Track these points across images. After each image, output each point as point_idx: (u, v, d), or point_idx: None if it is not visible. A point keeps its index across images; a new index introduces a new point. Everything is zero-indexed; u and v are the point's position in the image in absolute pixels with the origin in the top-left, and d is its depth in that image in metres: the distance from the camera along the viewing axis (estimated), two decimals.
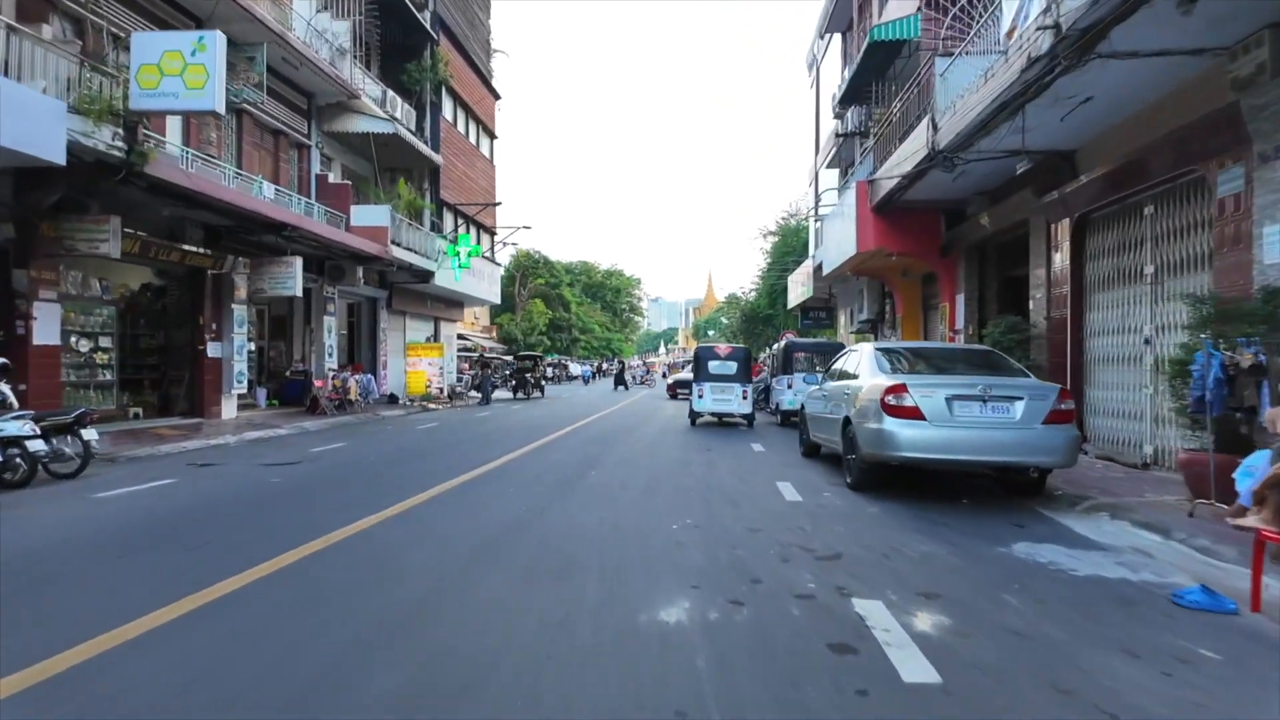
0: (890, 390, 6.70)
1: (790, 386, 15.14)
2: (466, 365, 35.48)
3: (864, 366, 7.73)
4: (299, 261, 15.57)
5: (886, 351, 7.82)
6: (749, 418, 14.96)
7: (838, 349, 15.71)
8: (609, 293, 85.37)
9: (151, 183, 11.42)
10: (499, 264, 30.21)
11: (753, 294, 58.82)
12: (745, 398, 14.77)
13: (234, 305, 15.49)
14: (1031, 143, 9.74)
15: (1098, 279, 9.68)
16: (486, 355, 28.59)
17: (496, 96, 30.22)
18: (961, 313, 13.99)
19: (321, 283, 19.13)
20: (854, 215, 14.72)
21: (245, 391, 16.06)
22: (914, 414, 6.56)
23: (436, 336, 27.56)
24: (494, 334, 57.11)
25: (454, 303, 27.95)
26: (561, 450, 10.69)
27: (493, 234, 29.94)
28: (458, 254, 22.79)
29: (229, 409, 15.57)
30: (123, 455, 10.20)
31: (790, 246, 43.25)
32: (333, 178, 20.00)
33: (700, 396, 14.92)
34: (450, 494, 7.01)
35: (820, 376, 9.87)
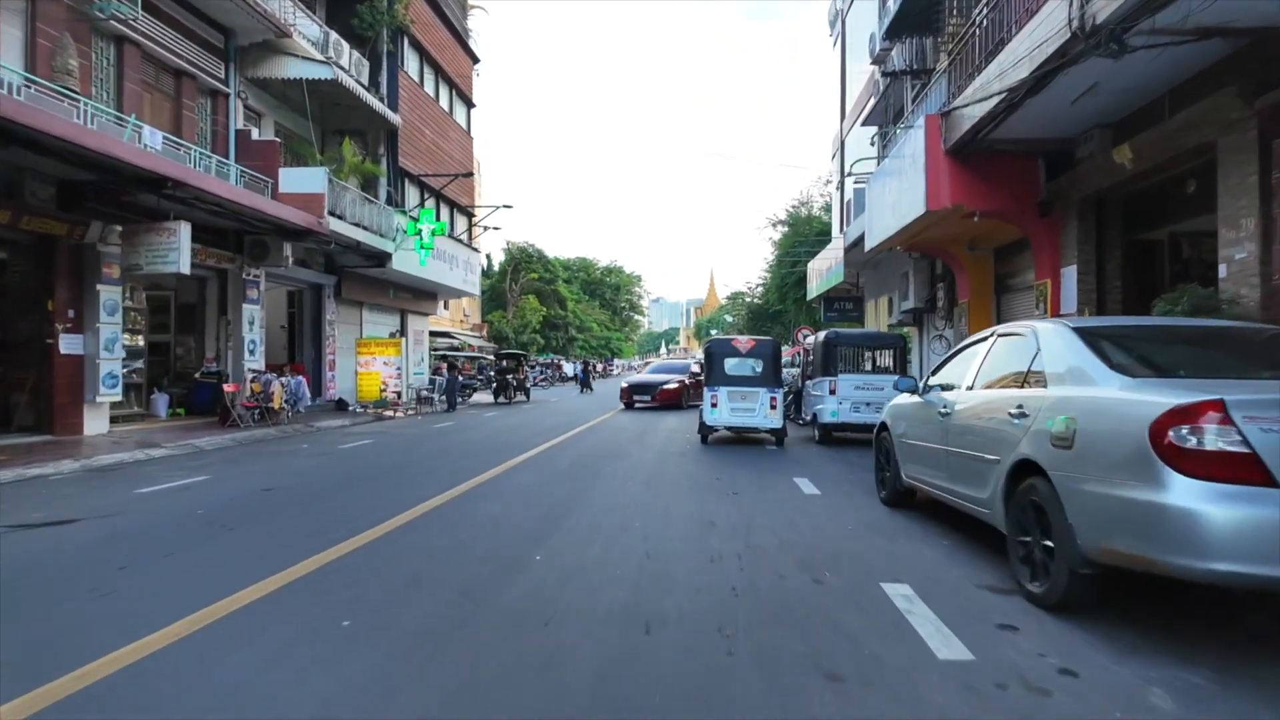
0: (1182, 415, 2.97)
1: (833, 392, 11.40)
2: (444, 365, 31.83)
3: (1059, 362, 3.98)
4: (185, 228, 11.84)
5: (1100, 334, 4.06)
6: (779, 434, 11.23)
7: (895, 342, 11.99)
8: (608, 290, 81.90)
9: None
10: (477, 249, 26.49)
11: (759, 289, 55.09)
12: (774, 407, 11.05)
13: (101, 286, 11.80)
14: (1233, 15, 6.17)
15: None
16: (451, 354, 24.73)
17: (475, 59, 26.52)
18: (1072, 291, 10.25)
19: (241, 262, 15.42)
20: (920, 164, 10.98)
21: (119, 398, 12.35)
22: (1246, 471, 2.85)
23: (403, 332, 23.85)
24: (485, 331, 53.55)
25: (424, 293, 24.25)
26: (508, 494, 6.97)
27: (470, 215, 26.22)
28: (419, 232, 19.07)
29: (96, 422, 11.87)
30: None
31: (801, 236, 39.80)
32: (261, 135, 16.30)
33: (714, 406, 11.19)
34: (217, 631, 3.29)
35: (914, 380, 6.11)
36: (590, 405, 22.68)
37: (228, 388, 14.10)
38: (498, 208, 23.34)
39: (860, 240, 17.22)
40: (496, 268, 59.41)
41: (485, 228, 26.75)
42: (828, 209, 40.07)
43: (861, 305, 23.83)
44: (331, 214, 16.23)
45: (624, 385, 21.16)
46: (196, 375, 15.16)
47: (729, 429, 11.53)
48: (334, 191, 16.29)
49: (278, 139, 16.27)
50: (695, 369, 21.57)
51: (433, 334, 44.24)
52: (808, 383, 12.85)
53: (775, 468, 8.95)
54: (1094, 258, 10.19)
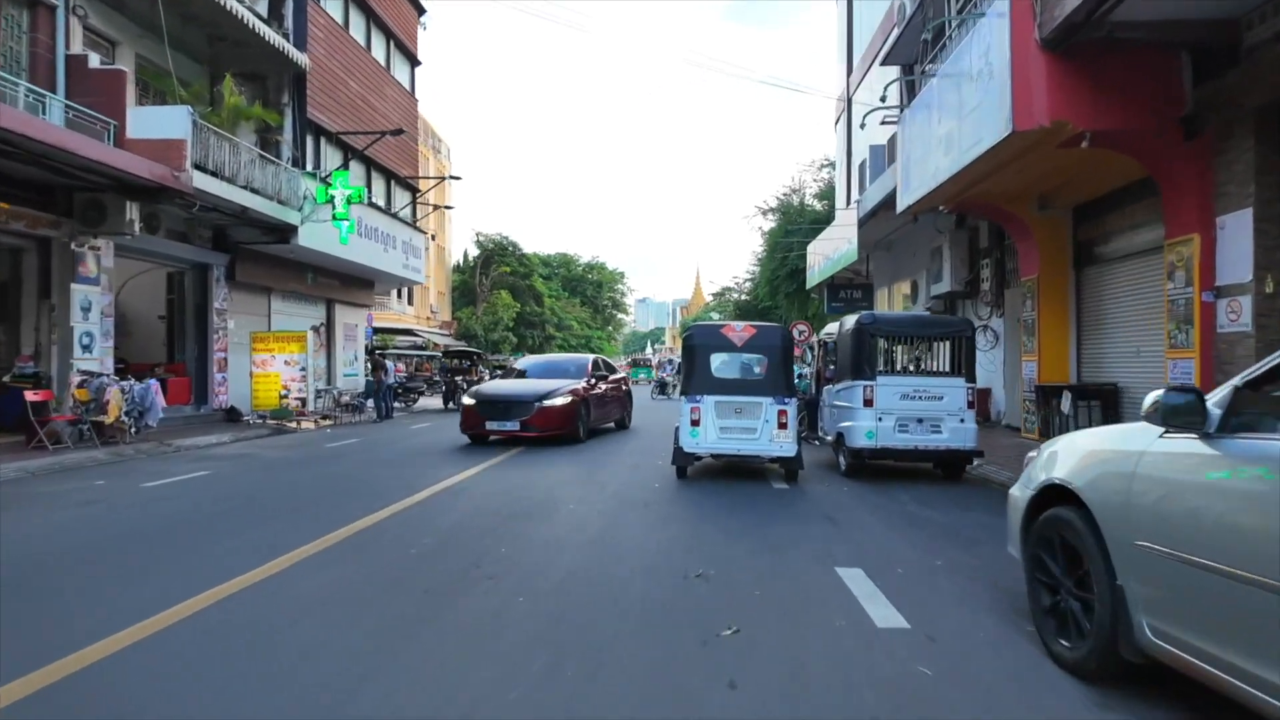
0: None
1: (870, 402, 7.75)
2: (400, 365, 28.03)
3: None
4: None
5: None
6: (792, 465, 7.60)
7: (959, 329, 8.33)
8: (590, 287, 78.24)
9: None
10: (424, 231, 22.71)
11: (748, 284, 51.52)
12: (784, 426, 7.43)
13: None
14: None
15: None
16: (380, 352, 20.75)
17: (420, 9, 22.75)
18: (1243, 250, 6.70)
19: (70, 229, 11.61)
20: (1000, 68, 7.42)
21: None
22: None
23: (330, 327, 20.05)
24: (454, 329, 49.78)
25: (356, 280, 20.42)
26: (209, 667, 3.29)
27: (415, 190, 22.42)
28: (331, 199, 15.30)
29: None
30: None
31: (795, 224, 36.49)
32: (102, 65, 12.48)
33: (695, 425, 7.54)
34: None
35: (1190, 396, 2.43)
36: None
37: (32, 396, 10.31)
38: (443, 179, 19.52)
39: (881, 208, 13.71)
40: (470, 261, 55.59)
41: (435, 205, 22.95)
42: (823, 195, 36.79)
43: (871, 294, 20.31)
44: (202, 169, 12.45)
45: (467, 401, 11.78)
46: (4, 379, 11.33)
47: (718, 457, 7.89)
48: (203, 138, 12.51)
49: (123, 68, 12.43)
50: (595, 372, 13.07)
51: (393, 331, 40.56)
52: (829, 389, 9.16)
53: (799, 538, 5.30)
54: (1277, 197, 6.66)
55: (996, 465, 8.14)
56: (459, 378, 21.36)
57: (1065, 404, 9.20)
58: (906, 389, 7.74)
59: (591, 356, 13.63)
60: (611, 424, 13.91)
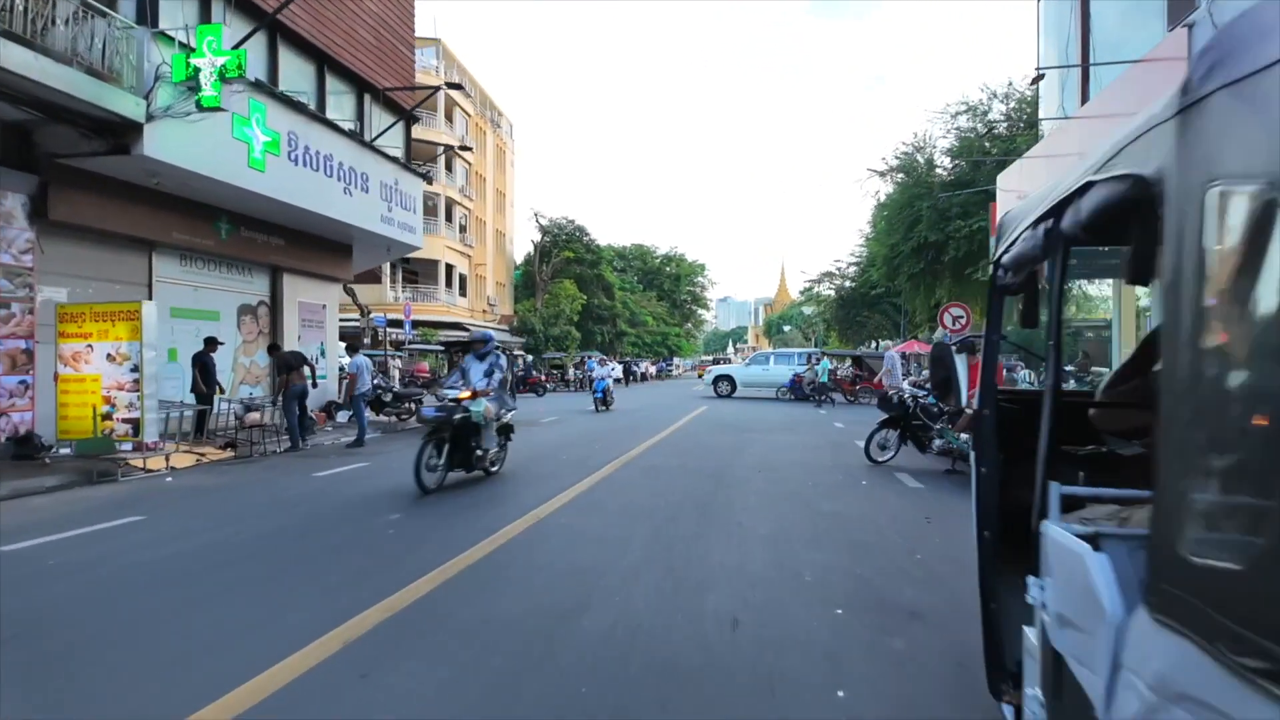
0: None
1: None
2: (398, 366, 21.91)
3: None
4: None
5: None
6: None
7: None
8: (667, 280, 70.91)
9: None
10: (420, 174, 16.08)
11: (853, 268, 43.00)
12: None
13: None
14: None
15: None
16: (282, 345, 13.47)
17: None
18: None
19: None
20: None
21: None
22: None
23: (276, 307, 13.72)
24: (512, 323, 43.81)
25: (316, 240, 14.02)
26: None
27: (411, 118, 15.86)
28: (194, 74, 8.76)
29: None
30: None
31: (924, 185, 28.20)
32: None
33: None
34: None
35: None
36: (587, 439, 12.01)
37: None
38: (437, 89, 12.84)
39: None
40: (535, 248, 49.53)
41: (445, 147, 16.26)
42: (958, 151, 28.15)
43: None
44: None
45: None
46: None
47: None
48: None
49: None
50: None
51: (438, 325, 34.68)
52: None
53: None
54: None
55: None
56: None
57: None
58: None
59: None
60: None
